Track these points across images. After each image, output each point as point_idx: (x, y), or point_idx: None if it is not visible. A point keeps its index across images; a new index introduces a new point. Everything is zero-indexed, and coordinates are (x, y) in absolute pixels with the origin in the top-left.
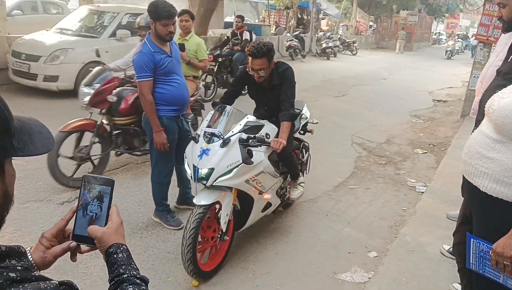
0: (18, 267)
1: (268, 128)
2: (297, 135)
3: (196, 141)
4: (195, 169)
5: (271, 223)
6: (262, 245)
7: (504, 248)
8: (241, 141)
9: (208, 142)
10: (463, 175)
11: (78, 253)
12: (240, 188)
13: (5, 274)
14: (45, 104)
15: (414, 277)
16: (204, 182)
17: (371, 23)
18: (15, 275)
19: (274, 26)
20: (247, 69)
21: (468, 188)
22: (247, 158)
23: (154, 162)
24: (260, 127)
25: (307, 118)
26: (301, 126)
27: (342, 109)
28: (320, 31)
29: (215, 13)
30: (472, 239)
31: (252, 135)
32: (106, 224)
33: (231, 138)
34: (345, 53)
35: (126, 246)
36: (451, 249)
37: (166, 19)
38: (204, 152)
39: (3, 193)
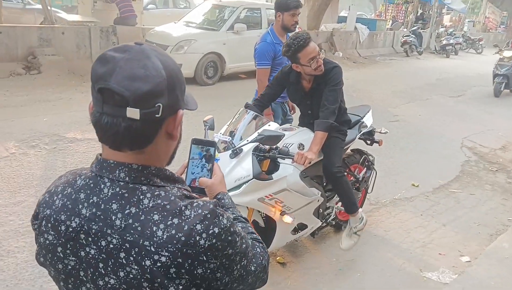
0: (185, 191)
1: (305, 137)
2: (361, 146)
3: None
4: None
5: None
6: None
7: None
8: (259, 151)
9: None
10: None
11: None
12: (253, 207)
13: (180, 192)
14: None
15: (503, 284)
16: None
17: (503, 20)
18: (187, 193)
19: (391, 21)
20: (296, 68)
21: None
22: (260, 172)
23: None
24: (279, 137)
25: (367, 126)
26: (357, 136)
27: (455, 110)
28: (442, 27)
29: (330, 7)
30: None
31: (274, 146)
32: (211, 177)
33: (243, 148)
34: (468, 51)
35: (228, 194)
36: None
37: (295, 8)
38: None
39: (178, 133)
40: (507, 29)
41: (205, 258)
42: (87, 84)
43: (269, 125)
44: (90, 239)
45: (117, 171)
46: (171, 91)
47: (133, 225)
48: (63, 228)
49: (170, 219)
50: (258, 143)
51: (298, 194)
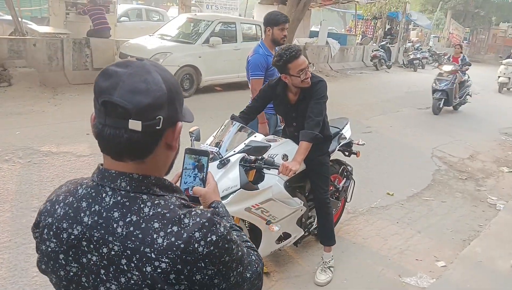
0: (183, 200)
1: (288, 148)
2: (340, 157)
3: None
4: None
5: (339, 224)
6: None
7: None
8: (246, 162)
9: None
10: None
11: None
12: (239, 217)
13: (179, 201)
14: None
15: (479, 286)
16: None
17: (466, 35)
18: (185, 202)
19: (361, 36)
20: (284, 79)
21: None
22: (247, 183)
23: None
24: (265, 148)
25: (346, 138)
26: (338, 147)
27: (425, 122)
28: (409, 42)
29: (302, 22)
30: None
31: (260, 157)
32: (204, 186)
33: (230, 158)
34: (434, 65)
35: (222, 202)
36: None
37: (283, 23)
38: None
39: (177, 144)
40: (470, 44)
41: (203, 265)
42: (60, 97)
43: (255, 136)
44: (91, 246)
45: (119, 181)
46: (170, 104)
47: (134, 233)
48: (65, 235)
49: (169, 227)
50: (244, 154)
51: (283, 204)
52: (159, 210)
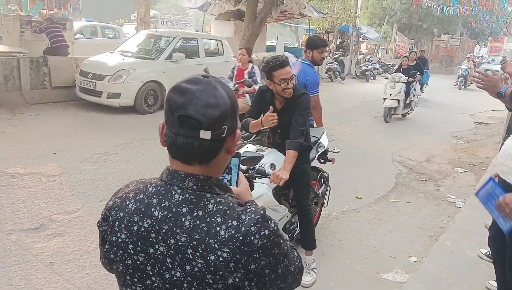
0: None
1: (275, 158)
2: (316, 164)
3: None
4: None
5: (316, 228)
6: None
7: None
8: None
9: None
10: (498, 175)
11: None
12: None
13: (235, 199)
14: (108, 118)
15: (453, 275)
16: None
17: (411, 46)
18: (238, 200)
19: None
20: (269, 86)
21: (504, 186)
22: None
23: None
24: (259, 158)
25: (324, 147)
26: (317, 155)
27: (382, 129)
28: (360, 54)
29: (259, 37)
30: (492, 181)
31: (251, 166)
32: (237, 186)
33: None
34: (384, 76)
35: (256, 202)
36: (488, 253)
37: (322, 47)
38: None
39: (235, 149)
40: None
41: (257, 256)
42: (19, 117)
43: (247, 147)
44: (160, 237)
45: (187, 181)
46: (233, 116)
47: (200, 226)
48: (135, 228)
49: (230, 221)
50: None
51: (272, 211)
52: (220, 207)
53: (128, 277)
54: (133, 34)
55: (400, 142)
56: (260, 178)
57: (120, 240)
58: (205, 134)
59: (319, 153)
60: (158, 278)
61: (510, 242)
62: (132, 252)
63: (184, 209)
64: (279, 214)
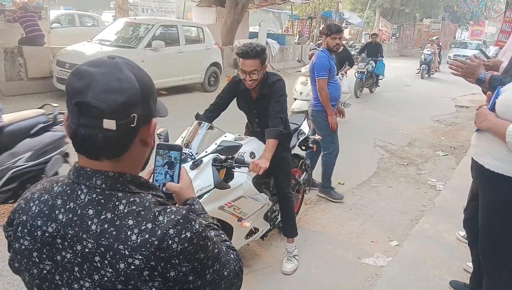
0: (158, 197)
1: (254, 146)
2: (298, 151)
3: None
4: None
5: (299, 215)
6: None
7: (481, 116)
8: (217, 161)
9: None
10: (472, 157)
11: None
12: (213, 215)
13: (155, 198)
14: None
15: (431, 258)
16: None
17: (394, 32)
18: (161, 199)
19: (298, 36)
20: (238, 75)
21: (476, 167)
22: (220, 182)
23: (329, 146)
24: (237, 147)
25: (305, 133)
26: (298, 142)
27: (364, 114)
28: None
29: (241, 24)
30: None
31: (230, 156)
32: (178, 182)
33: (203, 159)
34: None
35: (198, 199)
36: (466, 235)
37: (336, 33)
38: None
39: (152, 141)
40: (398, 40)
41: (177, 262)
42: None
43: (225, 136)
44: (66, 243)
45: (94, 179)
46: (144, 102)
47: (109, 230)
48: (39, 233)
49: (144, 224)
50: (216, 154)
51: (253, 200)
52: (134, 207)
53: (36, 289)
54: (111, 22)
55: (382, 127)
56: (240, 167)
57: (23, 247)
58: (109, 124)
59: (299, 140)
60: (67, 289)
61: (481, 226)
62: (37, 260)
63: (91, 211)
64: (260, 202)
